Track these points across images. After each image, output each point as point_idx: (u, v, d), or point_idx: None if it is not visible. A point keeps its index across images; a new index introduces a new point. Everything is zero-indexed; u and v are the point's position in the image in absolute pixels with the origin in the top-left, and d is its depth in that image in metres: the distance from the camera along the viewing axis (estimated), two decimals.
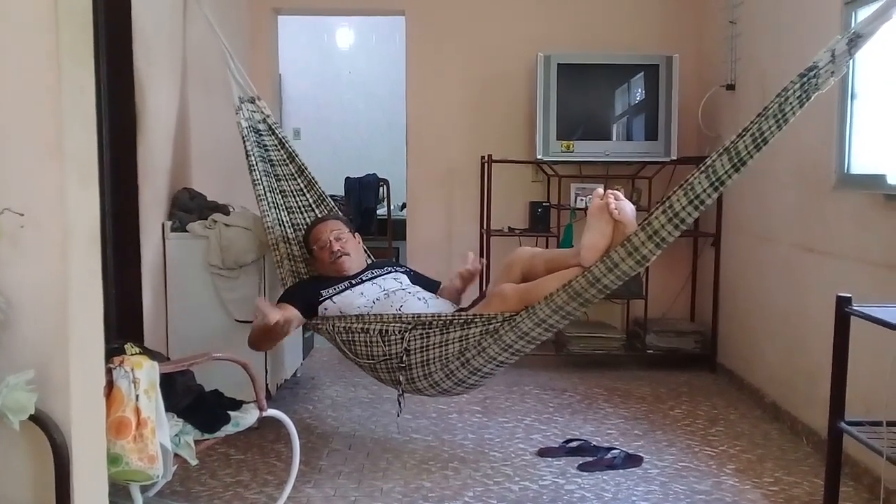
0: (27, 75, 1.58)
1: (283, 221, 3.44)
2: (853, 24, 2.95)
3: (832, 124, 3.13)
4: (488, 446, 3.24)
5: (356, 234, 3.43)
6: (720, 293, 4.36)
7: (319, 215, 3.51)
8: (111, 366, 1.92)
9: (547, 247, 4.46)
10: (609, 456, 3.06)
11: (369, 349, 2.94)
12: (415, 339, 2.86)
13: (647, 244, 2.56)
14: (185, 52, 3.60)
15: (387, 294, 3.08)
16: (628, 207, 2.70)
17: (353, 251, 3.27)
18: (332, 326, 3.02)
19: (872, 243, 2.86)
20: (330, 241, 3.24)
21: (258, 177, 3.40)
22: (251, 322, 3.23)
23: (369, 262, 3.48)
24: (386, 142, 6.77)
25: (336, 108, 7.01)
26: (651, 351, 4.48)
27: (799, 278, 3.44)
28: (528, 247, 3.28)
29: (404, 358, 2.87)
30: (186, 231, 3.33)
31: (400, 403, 3.01)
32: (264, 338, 3.01)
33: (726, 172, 2.47)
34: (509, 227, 4.62)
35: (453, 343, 2.82)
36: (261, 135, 3.49)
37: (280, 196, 3.49)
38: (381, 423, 3.52)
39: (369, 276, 3.22)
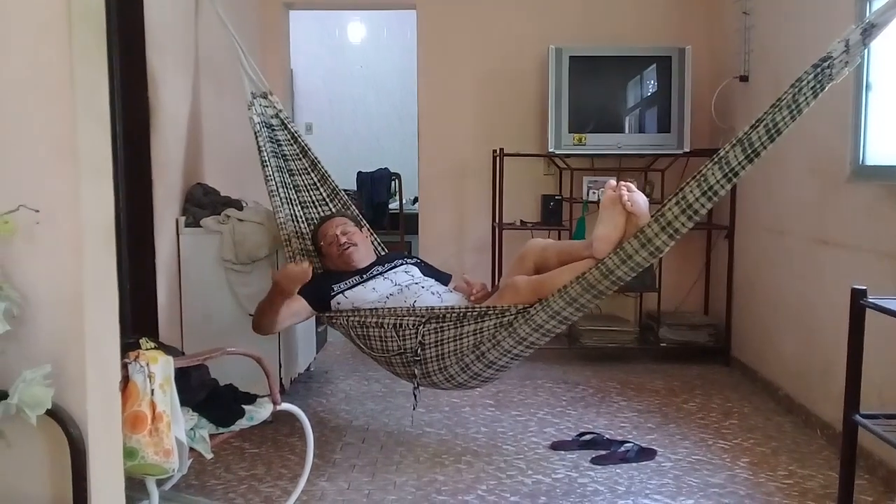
0: (41, 73, 1.60)
1: (296, 216, 3.44)
2: (867, 14, 2.92)
3: (847, 115, 3.10)
4: (501, 440, 3.25)
5: (363, 228, 3.44)
6: (734, 286, 4.34)
7: (333, 209, 3.52)
8: (127, 360, 1.94)
9: (559, 240, 4.45)
10: (622, 449, 3.06)
11: (384, 343, 2.95)
12: (429, 333, 2.86)
13: (661, 235, 2.55)
14: (197, 47, 3.61)
15: (399, 289, 3.08)
16: (641, 199, 2.69)
17: (360, 242, 3.28)
18: (347, 321, 3.04)
19: (888, 235, 2.83)
20: (336, 234, 3.24)
21: (270, 172, 3.40)
22: None
23: (380, 254, 3.48)
24: (397, 136, 6.78)
25: (348, 103, 7.02)
26: (664, 344, 4.47)
27: (813, 271, 3.41)
28: (541, 238, 3.27)
29: (419, 352, 2.88)
30: (200, 226, 3.35)
31: (416, 397, 3.02)
32: (268, 308, 3.00)
33: (740, 164, 2.46)
34: (521, 221, 4.61)
35: (468, 336, 2.82)
36: (273, 130, 3.49)
37: (294, 191, 3.49)
38: (394, 416, 3.53)
39: (380, 270, 3.21)
